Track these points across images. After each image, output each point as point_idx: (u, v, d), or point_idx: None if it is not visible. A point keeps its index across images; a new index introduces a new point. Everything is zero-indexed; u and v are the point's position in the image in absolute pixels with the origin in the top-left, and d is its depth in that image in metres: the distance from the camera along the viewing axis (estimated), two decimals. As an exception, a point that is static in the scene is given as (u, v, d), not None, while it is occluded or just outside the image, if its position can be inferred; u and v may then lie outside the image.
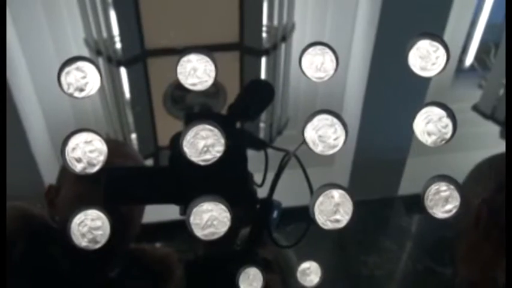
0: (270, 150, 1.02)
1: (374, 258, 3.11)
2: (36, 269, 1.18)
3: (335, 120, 0.71)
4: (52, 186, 1.30)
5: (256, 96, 1.02)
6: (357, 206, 0.72)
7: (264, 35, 2.62)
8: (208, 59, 0.72)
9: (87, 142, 0.69)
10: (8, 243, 1.14)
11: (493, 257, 1.09)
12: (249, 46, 2.61)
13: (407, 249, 3.26)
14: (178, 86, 2.63)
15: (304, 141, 0.75)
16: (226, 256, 1.03)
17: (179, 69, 0.72)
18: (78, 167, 0.69)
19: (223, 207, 0.69)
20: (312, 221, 0.72)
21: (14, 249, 1.16)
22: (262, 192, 1.01)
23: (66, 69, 0.68)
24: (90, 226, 0.71)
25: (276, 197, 1.00)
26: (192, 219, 0.69)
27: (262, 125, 2.92)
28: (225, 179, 0.77)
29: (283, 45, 2.71)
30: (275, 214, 1.01)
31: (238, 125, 1.01)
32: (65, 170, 1.28)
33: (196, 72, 0.72)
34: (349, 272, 3.10)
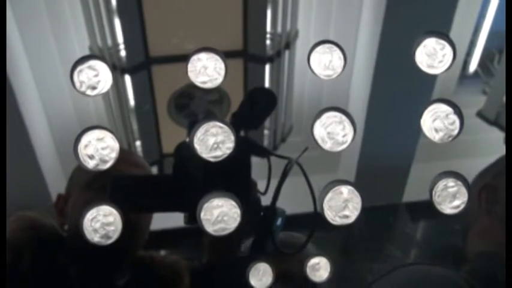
0: (273, 158, 1.03)
1: (379, 265, 3.10)
2: (44, 278, 1.18)
3: (343, 117, 0.72)
4: (61, 196, 1.30)
5: (259, 104, 1.02)
6: (362, 212, 0.73)
7: (268, 42, 2.64)
8: (218, 57, 0.73)
9: (100, 139, 0.70)
10: (17, 253, 1.15)
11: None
12: (253, 53, 2.63)
13: (412, 256, 3.26)
14: (183, 94, 2.65)
15: (306, 149, 0.76)
16: (231, 263, 1.03)
17: (190, 67, 0.73)
18: (90, 164, 0.70)
19: (233, 202, 0.70)
20: (316, 226, 0.73)
21: (23, 258, 1.16)
22: (265, 200, 1.01)
23: (79, 68, 0.69)
24: (102, 222, 0.72)
25: (279, 204, 1.01)
26: (202, 215, 0.69)
27: (266, 132, 2.93)
28: (228, 187, 0.78)
29: (286, 52, 2.73)
30: (279, 221, 1.01)
31: (241, 132, 1.02)
32: (74, 179, 1.28)
33: (207, 70, 0.73)
34: (354, 278, 3.08)
